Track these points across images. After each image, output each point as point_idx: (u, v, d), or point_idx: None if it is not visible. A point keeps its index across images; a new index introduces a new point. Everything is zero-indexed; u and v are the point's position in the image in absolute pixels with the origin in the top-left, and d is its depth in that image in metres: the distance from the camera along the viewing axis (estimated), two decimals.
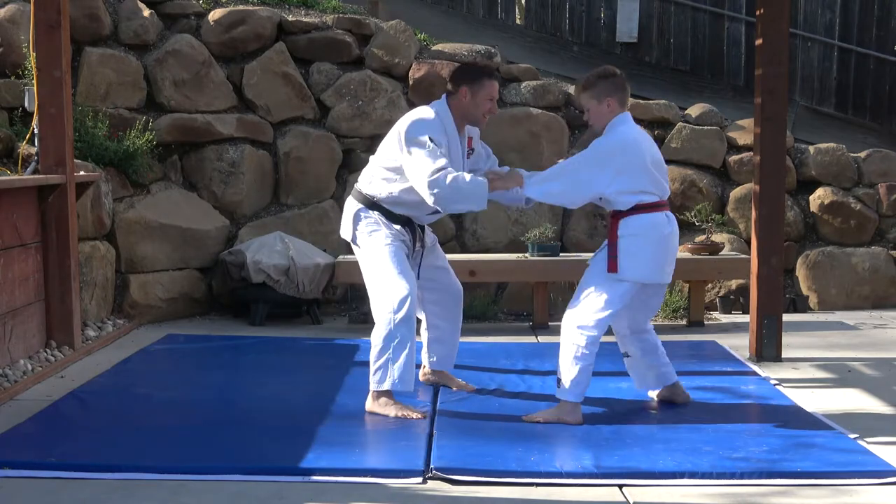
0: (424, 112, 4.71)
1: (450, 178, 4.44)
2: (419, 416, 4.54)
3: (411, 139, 4.56)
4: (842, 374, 5.60)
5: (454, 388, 5.11)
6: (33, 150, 6.01)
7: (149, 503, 3.52)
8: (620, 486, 3.72)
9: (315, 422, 4.48)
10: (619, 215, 4.47)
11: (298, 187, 7.76)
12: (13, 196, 5.45)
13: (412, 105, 7.91)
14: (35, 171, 5.93)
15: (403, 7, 8.80)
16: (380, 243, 4.70)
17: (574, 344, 4.45)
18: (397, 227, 4.75)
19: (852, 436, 4.29)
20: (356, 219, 4.79)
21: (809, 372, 5.65)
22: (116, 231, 6.97)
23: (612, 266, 4.42)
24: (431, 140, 4.52)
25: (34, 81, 5.95)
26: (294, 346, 6.35)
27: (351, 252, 7.58)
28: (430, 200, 4.51)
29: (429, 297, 5.06)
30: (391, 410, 4.56)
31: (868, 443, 4.19)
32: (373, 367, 4.58)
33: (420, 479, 3.76)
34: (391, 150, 4.70)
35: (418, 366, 5.36)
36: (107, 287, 6.81)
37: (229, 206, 7.60)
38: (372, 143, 7.91)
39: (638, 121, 7.89)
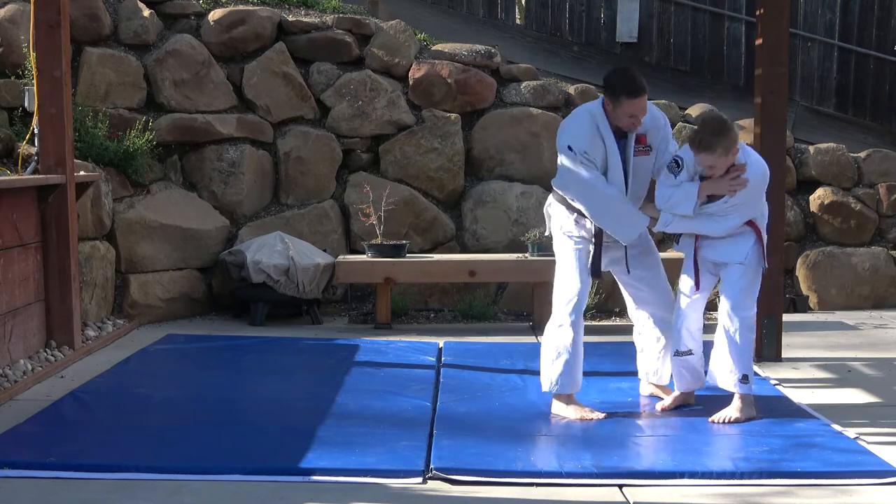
0: (573, 116, 4.74)
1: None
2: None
3: (559, 146, 4.64)
4: (842, 374, 5.60)
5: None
6: (33, 150, 6.01)
7: (149, 503, 3.53)
8: (620, 486, 3.72)
9: (315, 422, 4.47)
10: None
11: (298, 187, 7.75)
12: (13, 196, 5.45)
13: (412, 105, 7.95)
14: (35, 171, 5.93)
15: (403, 7, 8.79)
16: (564, 242, 4.73)
17: (748, 335, 4.57)
18: (586, 223, 4.70)
19: (852, 436, 4.29)
20: (549, 215, 4.85)
21: (809, 372, 5.65)
22: (116, 231, 6.97)
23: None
24: (570, 148, 4.56)
25: (34, 81, 5.95)
26: (294, 346, 6.35)
27: (350, 252, 7.69)
28: (580, 206, 4.60)
29: (642, 306, 4.90)
30: (570, 413, 4.60)
31: (868, 443, 4.19)
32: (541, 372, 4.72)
33: (420, 479, 3.76)
34: None
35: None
36: (107, 287, 6.81)
37: (229, 206, 7.60)
38: (372, 143, 7.92)
39: None
